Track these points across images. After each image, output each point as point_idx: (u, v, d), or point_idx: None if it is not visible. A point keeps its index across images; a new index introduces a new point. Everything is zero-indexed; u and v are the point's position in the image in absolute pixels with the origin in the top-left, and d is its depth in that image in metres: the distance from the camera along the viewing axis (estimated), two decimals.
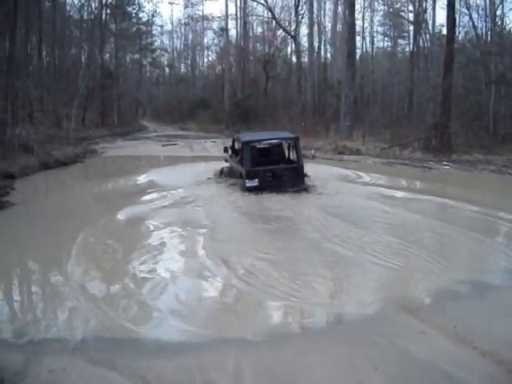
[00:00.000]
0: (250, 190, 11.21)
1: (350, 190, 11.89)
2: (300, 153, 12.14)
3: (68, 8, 38.74)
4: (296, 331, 4.76)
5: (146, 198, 11.20)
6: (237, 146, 13.05)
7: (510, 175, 14.74)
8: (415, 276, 6.13)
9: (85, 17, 38.17)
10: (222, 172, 13.65)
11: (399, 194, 11.85)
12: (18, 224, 8.57)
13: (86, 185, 13.82)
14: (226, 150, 13.81)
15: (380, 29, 43.93)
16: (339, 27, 37.18)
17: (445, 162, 17.23)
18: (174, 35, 60.25)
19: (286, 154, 12.93)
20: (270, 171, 11.54)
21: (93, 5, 37.68)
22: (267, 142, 12.87)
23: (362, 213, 9.46)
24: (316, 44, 37.83)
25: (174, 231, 8.19)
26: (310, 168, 12.66)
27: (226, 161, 13.91)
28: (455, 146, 19.41)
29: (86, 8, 38.11)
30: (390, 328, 4.71)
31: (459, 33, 28.76)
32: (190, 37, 58.94)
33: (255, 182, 11.27)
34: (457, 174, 15.40)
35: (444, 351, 4.26)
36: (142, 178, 14.18)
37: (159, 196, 11.36)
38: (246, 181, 11.30)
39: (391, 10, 39.30)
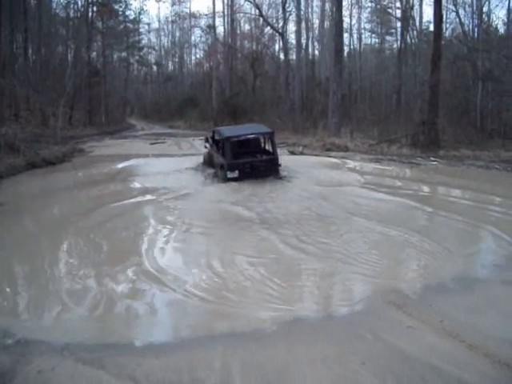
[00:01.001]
0: (231, 180, 12.31)
1: None
2: (275, 145, 13.32)
3: (54, 6, 38.46)
4: (283, 327, 4.77)
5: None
6: (217, 137, 14.12)
7: (496, 170, 14.86)
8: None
9: (71, 15, 37.91)
10: (204, 162, 15.03)
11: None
12: (5, 223, 8.50)
13: (74, 182, 13.80)
14: (206, 139, 15.08)
15: (367, 25, 44.07)
16: (327, 24, 37.27)
17: (432, 158, 17.32)
18: (162, 33, 60.12)
19: (263, 146, 14.18)
20: (248, 163, 12.79)
21: (79, 2, 37.39)
22: (246, 136, 13.73)
23: None
24: (304, 41, 37.84)
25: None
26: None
27: (206, 147, 15.20)
28: (443, 141, 19.51)
29: (72, 6, 37.82)
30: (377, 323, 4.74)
31: (446, 29, 29.01)
32: (178, 34, 58.82)
33: (235, 174, 12.50)
34: (443, 168, 15.52)
35: (431, 345, 4.30)
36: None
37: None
38: (228, 172, 12.46)
39: (378, 6, 39.44)
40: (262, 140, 14.27)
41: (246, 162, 12.83)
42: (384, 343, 4.35)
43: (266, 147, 13.97)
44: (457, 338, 4.37)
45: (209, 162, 14.62)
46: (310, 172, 13.76)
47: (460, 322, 4.69)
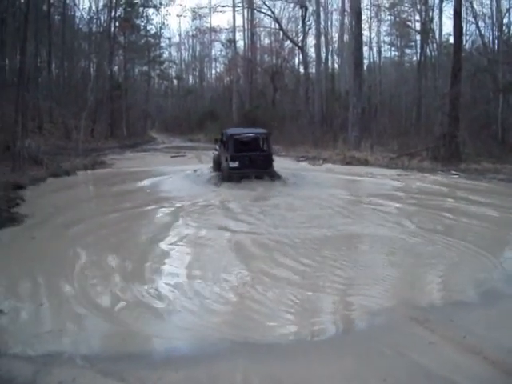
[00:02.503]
0: (232, 169, 14.85)
1: None
2: (270, 144, 16.23)
3: (77, 21, 39.23)
4: (302, 341, 4.75)
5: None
6: (224, 138, 16.26)
7: None
8: None
9: (94, 30, 38.56)
10: (213, 165, 17.29)
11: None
12: (28, 235, 8.56)
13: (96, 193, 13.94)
14: (216, 141, 18.28)
15: (387, 39, 44.00)
16: (346, 38, 37.26)
17: (453, 171, 17.19)
18: (182, 47, 60.75)
19: (260, 144, 16.44)
20: (247, 157, 15.30)
21: (102, 18, 38.18)
22: (246, 135, 16.61)
23: None
24: (323, 55, 37.94)
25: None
26: None
27: (216, 149, 17.76)
28: (463, 155, 19.36)
29: (95, 21, 38.53)
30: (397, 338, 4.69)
31: (466, 41, 28.84)
32: (198, 49, 59.34)
33: (236, 164, 14.96)
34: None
35: (454, 362, 4.23)
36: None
37: None
38: (230, 162, 14.92)
39: (398, 19, 39.40)
40: (260, 140, 16.60)
41: (245, 155, 15.31)
42: (405, 359, 4.29)
43: (263, 146, 16.35)
44: (480, 355, 4.28)
45: (217, 163, 16.67)
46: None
47: (483, 337, 4.61)
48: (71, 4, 38.29)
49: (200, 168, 17.96)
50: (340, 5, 37.16)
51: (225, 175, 15.25)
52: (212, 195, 13.01)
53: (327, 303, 5.73)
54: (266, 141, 16.32)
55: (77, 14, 39.01)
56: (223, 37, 49.15)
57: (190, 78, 64.52)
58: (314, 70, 36.00)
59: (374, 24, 41.58)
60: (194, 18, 52.14)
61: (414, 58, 39.24)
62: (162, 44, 51.16)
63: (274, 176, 15.25)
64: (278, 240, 8.13)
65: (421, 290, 6.09)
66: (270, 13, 37.08)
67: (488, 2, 29.25)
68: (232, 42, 43.78)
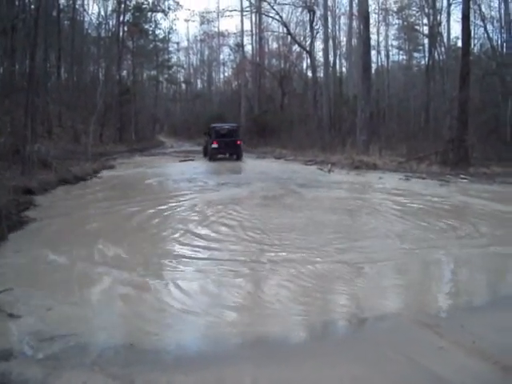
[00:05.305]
0: (213, 149, 24.96)
1: None
2: (239, 134, 26.68)
3: (86, 26, 39.60)
4: (311, 345, 4.76)
5: None
6: (209, 130, 26.32)
7: None
8: None
9: (102, 34, 38.97)
10: (205, 150, 27.78)
11: None
12: (38, 239, 8.62)
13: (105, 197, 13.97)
14: (205, 133, 28.08)
15: (395, 42, 44.08)
16: (354, 42, 37.35)
17: (462, 176, 17.12)
18: (190, 51, 61.11)
19: (233, 134, 25.70)
20: (223, 141, 24.95)
21: (110, 23, 38.59)
22: (223, 127, 26.51)
23: None
24: (331, 59, 37.94)
25: None
26: None
27: (205, 140, 27.82)
28: (472, 159, 19.30)
29: (103, 26, 38.93)
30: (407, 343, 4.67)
31: (474, 45, 28.79)
32: (206, 53, 59.64)
33: (216, 145, 24.90)
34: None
35: (464, 367, 4.20)
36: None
37: None
38: (212, 145, 25.04)
39: (406, 23, 39.39)
40: (232, 131, 25.97)
41: (221, 140, 25.00)
42: (415, 364, 4.27)
43: (234, 135, 25.71)
44: (490, 360, 4.26)
45: (205, 149, 27.41)
46: None
47: (493, 342, 4.58)
48: (80, 9, 38.69)
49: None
50: (348, 9, 37.38)
51: (209, 153, 25.52)
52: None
53: (337, 306, 5.75)
54: (236, 132, 26.16)
55: (86, 19, 39.49)
56: (231, 41, 49.32)
57: (199, 82, 64.91)
58: (322, 74, 36.06)
59: (382, 28, 41.77)
60: (202, 23, 52.32)
61: (422, 62, 39.22)
62: (171, 48, 51.58)
63: (239, 157, 25.55)
64: None
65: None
66: (277, 17, 37.34)
67: (496, 5, 29.32)
68: (240, 46, 43.93)
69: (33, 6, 21.52)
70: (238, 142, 25.41)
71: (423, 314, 5.29)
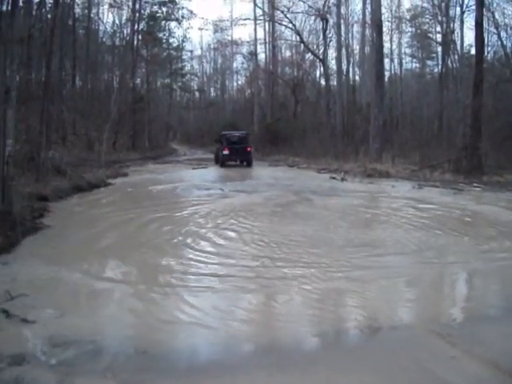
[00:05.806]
0: (224, 155, 26.31)
1: None
2: (249, 141, 27.78)
3: (101, 34, 40.07)
4: (324, 354, 4.74)
5: None
6: (220, 137, 27.75)
7: None
8: None
9: (117, 43, 39.36)
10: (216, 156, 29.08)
11: None
12: (52, 246, 8.67)
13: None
14: (216, 140, 29.50)
15: (408, 50, 44.02)
16: (367, 50, 37.32)
17: (475, 184, 17.00)
18: (204, 60, 61.49)
19: (243, 141, 27.05)
20: (234, 148, 26.20)
21: (125, 31, 38.96)
22: (234, 134, 28.14)
23: None
24: (344, 67, 37.94)
25: None
26: None
27: (217, 148, 28.81)
28: (486, 167, 19.16)
29: (118, 34, 39.31)
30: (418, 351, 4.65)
31: (488, 52, 28.68)
32: (220, 61, 60.01)
33: (227, 152, 26.18)
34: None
35: (476, 377, 4.17)
36: None
37: None
38: (223, 151, 26.32)
39: (419, 31, 39.33)
40: (242, 138, 27.33)
41: (232, 147, 26.24)
42: (426, 373, 4.25)
43: (244, 142, 26.99)
44: (502, 370, 4.23)
45: (216, 156, 28.85)
46: None
47: (505, 352, 4.55)
48: (95, 18, 39.15)
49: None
50: (361, 17, 37.33)
51: (220, 159, 26.84)
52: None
53: (349, 314, 5.74)
54: (246, 139, 27.50)
55: (101, 28, 40.00)
56: (244, 49, 49.55)
57: (212, 90, 65.25)
58: (335, 82, 36.09)
59: (395, 36, 41.73)
60: (215, 31, 52.71)
61: (436, 70, 39.16)
62: (184, 57, 51.85)
63: (250, 163, 26.63)
64: None
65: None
66: (291, 25, 37.51)
67: (510, 13, 29.17)
68: (253, 54, 44.13)
69: (49, 16, 21.76)
70: (248, 149, 26.71)
71: (436, 323, 5.26)
